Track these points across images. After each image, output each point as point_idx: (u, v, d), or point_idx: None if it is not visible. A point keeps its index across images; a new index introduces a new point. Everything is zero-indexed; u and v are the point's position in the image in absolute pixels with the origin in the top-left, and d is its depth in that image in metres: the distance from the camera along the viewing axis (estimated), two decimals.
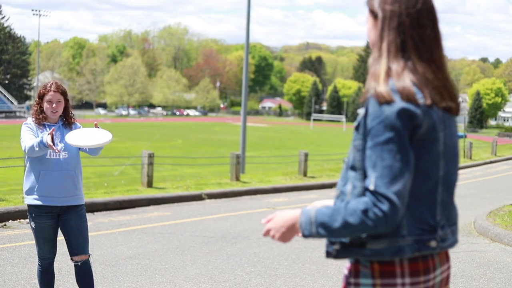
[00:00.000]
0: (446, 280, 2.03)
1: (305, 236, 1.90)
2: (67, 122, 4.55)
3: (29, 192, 4.41)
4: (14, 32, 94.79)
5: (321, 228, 1.85)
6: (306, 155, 17.38)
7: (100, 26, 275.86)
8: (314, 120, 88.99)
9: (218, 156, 24.78)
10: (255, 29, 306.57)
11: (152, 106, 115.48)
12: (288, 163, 23.76)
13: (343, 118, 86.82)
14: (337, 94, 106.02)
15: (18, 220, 8.46)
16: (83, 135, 4.30)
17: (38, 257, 4.58)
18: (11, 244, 7.10)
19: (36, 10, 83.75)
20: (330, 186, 16.01)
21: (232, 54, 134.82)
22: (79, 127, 4.61)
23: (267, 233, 2.00)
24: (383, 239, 1.86)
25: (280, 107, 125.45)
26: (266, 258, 6.96)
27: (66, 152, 4.41)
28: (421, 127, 1.84)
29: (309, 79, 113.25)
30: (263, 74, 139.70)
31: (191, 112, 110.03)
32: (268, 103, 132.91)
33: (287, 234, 1.96)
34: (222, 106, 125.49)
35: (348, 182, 1.93)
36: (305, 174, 17.24)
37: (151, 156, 12.67)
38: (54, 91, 4.44)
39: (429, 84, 1.87)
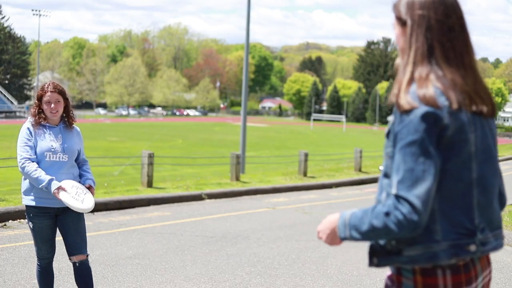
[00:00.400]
0: (488, 284, 2.02)
1: (341, 239, 1.94)
2: (68, 122, 4.52)
3: (27, 192, 4.40)
4: (14, 32, 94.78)
5: (353, 230, 1.89)
6: (306, 155, 17.38)
7: (100, 26, 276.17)
8: (314, 120, 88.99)
9: (218, 156, 24.78)
10: (255, 29, 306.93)
11: (152, 106, 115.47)
12: (288, 163, 23.75)
13: (343, 118, 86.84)
14: (337, 94, 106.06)
15: (18, 220, 8.46)
16: (72, 194, 4.30)
17: (37, 257, 4.57)
18: (11, 244, 7.10)
19: (36, 10, 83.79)
20: (330, 186, 16.02)
21: (232, 54, 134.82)
22: (78, 131, 4.60)
23: (318, 235, 2.06)
24: (417, 245, 1.86)
25: (280, 107, 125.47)
26: (266, 258, 6.96)
27: (67, 156, 4.40)
28: (448, 129, 1.83)
29: (309, 79, 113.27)
30: (263, 74, 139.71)
31: (191, 112, 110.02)
32: (268, 103, 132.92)
33: (331, 237, 2.00)
34: (222, 106, 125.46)
35: (383, 190, 1.94)
36: (305, 174, 17.24)
37: (151, 156, 12.67)
38: (51, 91, 4.40)
39: (457, 89, 1.86)
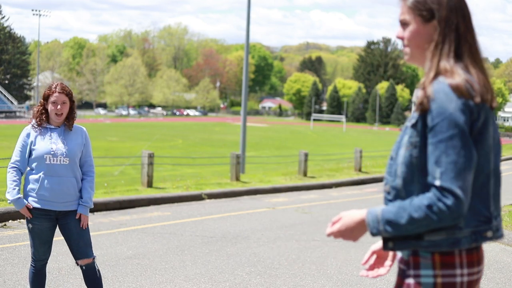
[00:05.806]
0: (479, 280, 2.08)
1: (373, 234, 1.97)
2: (69, 124, 4.45)
3: (28, 193, 4.36)
4: (14, 32, 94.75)
5: (387, 225, 1.93)
6: (306, 155, 17.37)
7: (97, 25, 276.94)
8: (314, 120, 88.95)
9: (218, 156, 24.77)
10: (253, 29, 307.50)
11: (152, 106, 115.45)
12: (288, 163, 23.74)
13: (343, 118, 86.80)
14: (337, 94, 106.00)
15: (18, 220, 8.46)
16: None
17: (32, 258, 4.50)
18: (11, 244, 7.10)
19: (36, 10, 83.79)
20: (330, 186, 16.01)
21: (232, 54, 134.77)
22: (83, 132, 4.53)
23: (335, 235, 2.06)
24: (441, 230, 1.93)
25: (280, 107, 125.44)
26: (266, 258, 6.96)
27: (68, 159, 4.35)
28: (478, 122, 1.93)
29: (309, 79, 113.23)
30: (263, 74, 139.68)
31: (191, 112, 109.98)
32: (268, 103, 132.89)
33: (357, 234, 2.03)
34: (222, 106, 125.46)
35: (397, 177, 2.01)
36: (305, 174, 17.23)
37: (151, 156, 12.67)
38: (59, 92, 4.37)
39: (481, 83, 1.96)
